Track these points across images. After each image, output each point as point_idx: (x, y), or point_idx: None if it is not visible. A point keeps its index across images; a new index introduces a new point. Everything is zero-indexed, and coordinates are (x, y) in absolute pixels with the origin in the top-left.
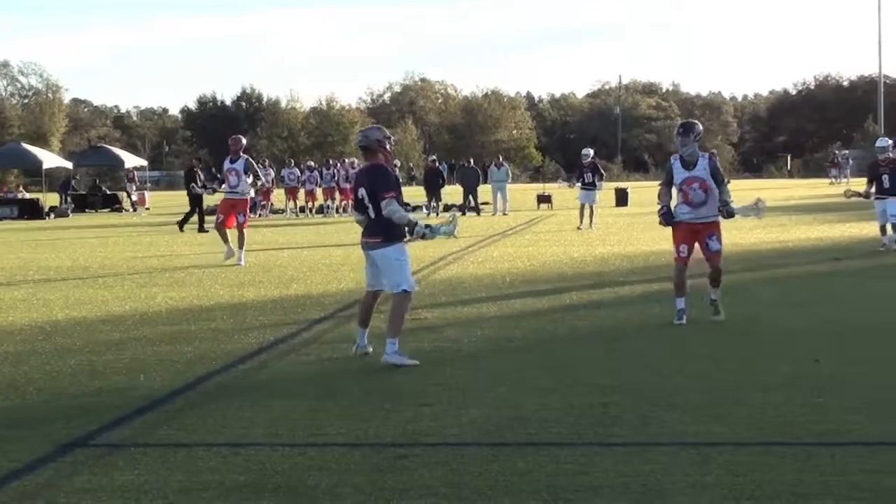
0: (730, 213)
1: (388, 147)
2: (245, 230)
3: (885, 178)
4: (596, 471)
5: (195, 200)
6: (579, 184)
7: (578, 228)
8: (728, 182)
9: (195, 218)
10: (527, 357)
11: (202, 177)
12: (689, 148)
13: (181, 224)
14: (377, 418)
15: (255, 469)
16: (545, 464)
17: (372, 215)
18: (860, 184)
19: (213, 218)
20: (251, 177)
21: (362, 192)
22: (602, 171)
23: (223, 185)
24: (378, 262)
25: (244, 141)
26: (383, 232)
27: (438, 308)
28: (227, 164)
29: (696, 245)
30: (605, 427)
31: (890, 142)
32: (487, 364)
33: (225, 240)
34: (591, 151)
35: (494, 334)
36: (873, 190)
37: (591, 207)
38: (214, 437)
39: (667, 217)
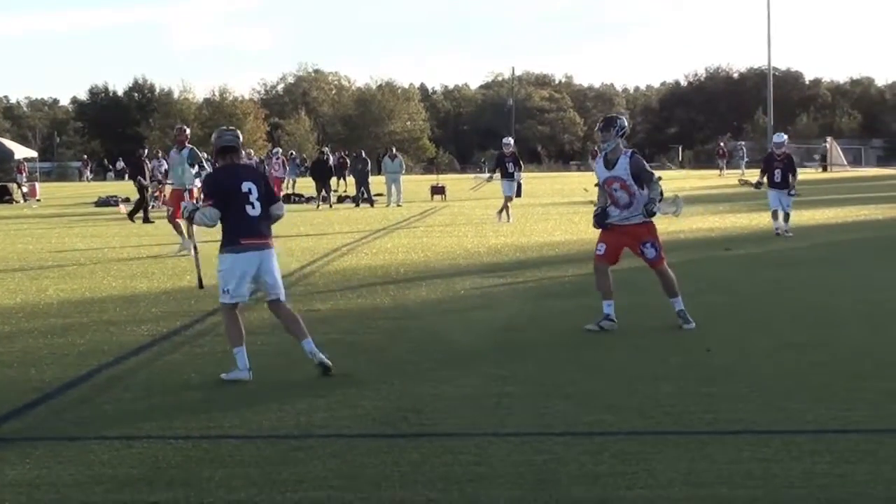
0: (650, 213)
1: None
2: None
3: (778, 172)
4: (490, 460)
5: (143, 190)
6: (498, 175)
7: (505, 220)
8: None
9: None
10: (421, 348)
11: (149, 166)
12: (611, 144)
13: (131, 215)
14: (271, 410)
15: (148, 462)
16: (439, 454)
17: (258, 213)
18: (754, 174)
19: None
20: (196, 167)
21: (250, 186)
22: (521, 162)
23: (168, 177)
24: (268, 262)
25: (188, 131)
26: (270, 230)
27: (332, 300)
28: (172, 154)
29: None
30: (499, 417)
31: (786, 137)
32: (382, 356)
33: (178, 232)
34: (512, 141)
35: (389, 326)
36: (765, 181)
37: (511, 199)
38: (107, 430)
39: (598, 219)
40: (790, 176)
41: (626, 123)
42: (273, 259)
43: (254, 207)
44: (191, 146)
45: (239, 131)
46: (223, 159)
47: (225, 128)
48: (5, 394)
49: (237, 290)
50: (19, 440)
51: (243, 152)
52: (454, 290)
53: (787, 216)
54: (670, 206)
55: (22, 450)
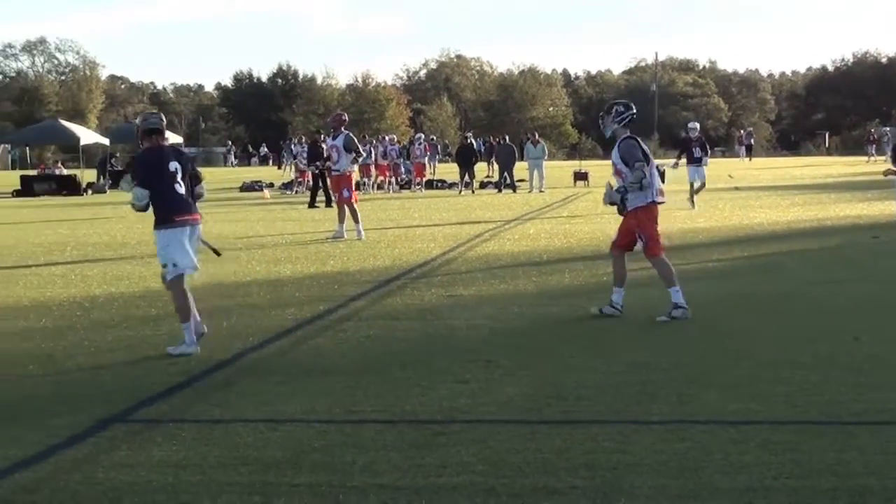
0: (609, 201)
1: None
2: (355, 204)
3: None
4: (634, 448)
5: (319, 176)
6: (685, 160)
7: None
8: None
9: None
10: (564, 334)
11: (294, 151)
12: (608, 130)
13: (311, 203)
14: (414, 395)
15: (291, 445)
16: (583, 441)
17: (183, 191)
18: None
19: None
20: (352, 152)
21: (176, 165)
22: (708, 147)
23: (327, 163)
24: (194, 237)
25: (345, 117)
26: (196, 208)
27: (474, 285)
28: (329, 141)
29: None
30: (642, 405)
31: None
32: (524, 341)
33: (340, 219)
34: (698, 126)
35: (531, 312)
36: None
37: (701, 184)
38: (252, 412)
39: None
40: None
41: (627, 110)
42: (196, 235)
43: (181, 185)
44: (347, 132)
45: (162, 115)
46: (149, 141)
47: (150, 111)
48: (152, 376)
49: (184, 262)
50: (166, 422)
51: (387, 137)
52: (597, 277)
53: None
54: (606, 196)
55: (169, 431)
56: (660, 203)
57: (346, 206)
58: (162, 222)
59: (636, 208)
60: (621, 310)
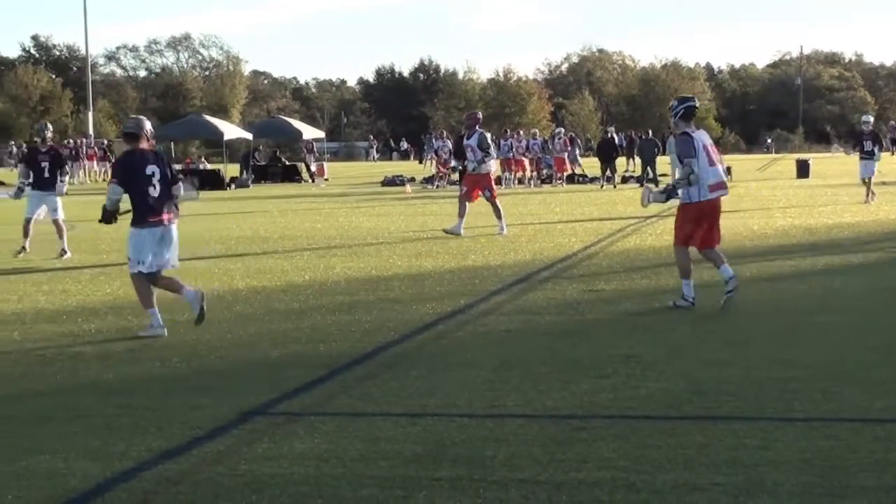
0: (648, 202)
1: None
2: (496, 202)
3: None
4: (776, 445)
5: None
6: (857, 154)
7: (865, 202)
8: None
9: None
10: (705, 329)
11: (434, 146)
12: (674, 127)
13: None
14: (555, 390)
15: (432, 439)
16: (724, 437)
17: (157, 194)
18: None
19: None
20: (483, 151)
21: (153, 169)
22: (882, 141)
23: (465, 162)
24: (168, 236)
25: (479, 115)
26: (172, 208)
27: (615, 280)
28: (465, 141)
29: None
30: (784, 402)
31: None
32: (665, 337)
33: (460, 214)
34: (871, 119)
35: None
36: None
37: (870, 179)
38: (392, 406)
39: None
40: None
41: (680, 104)
42: (171, 234)
43: (155, 189)
44: (480, 130)
45: (143, 119)
46: (129, 144)
47: (131, 116)
48: (295, 369)
49: (153, 262)
50: (308, 415)
51: (523, 133)
52: (739, 272)
53: None
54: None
55: (311, 424)
56: (713, 198)
57: (491, 203)
58: (136, 222)
59: (683, 203)
60: (693, 301)
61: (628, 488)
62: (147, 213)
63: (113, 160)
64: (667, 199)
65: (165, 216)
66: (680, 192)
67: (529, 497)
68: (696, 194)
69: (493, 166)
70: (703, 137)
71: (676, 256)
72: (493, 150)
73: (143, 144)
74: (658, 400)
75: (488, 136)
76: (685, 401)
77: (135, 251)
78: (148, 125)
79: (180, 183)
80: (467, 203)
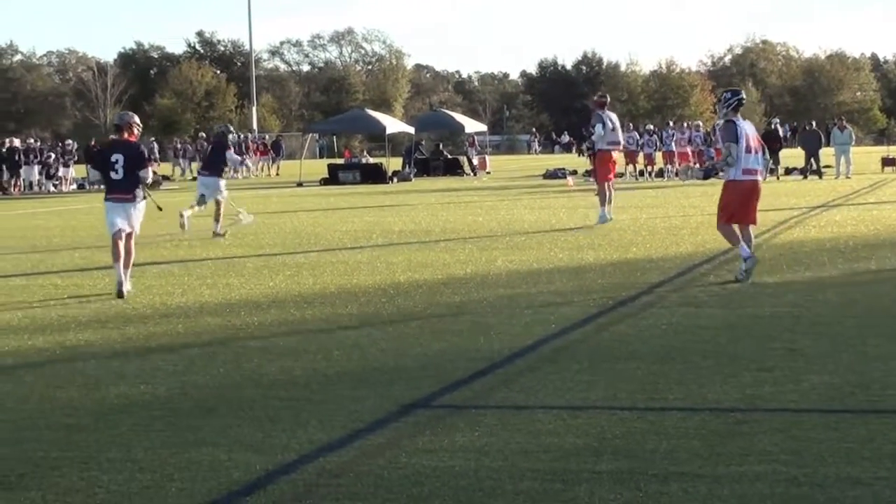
0: (687, 177)
1: (136, 131)
2: (606, 184)
3: None
4: None
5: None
6: None
7: None
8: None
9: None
10: (869, 323)
11: None
12: (722, 116)
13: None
14: (716, 383)
15: (593, 432)
16: (888, 431)
17: (121, 177)
18: None
19: None
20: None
21: (118, 157)
22: None
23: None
24: (129, 211)
25: (606, 98)
26: (133, 190)
27: (779, 272)
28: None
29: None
30: None
31: None
32: (828, 330)
33: (601, 202)
34: None
35: (836, 300)
36: None
37: None
38: (553, 399)
39: None
40: None
41: (734, 96)
42: (131, 209)
43: (117, 173)
44: (599, 112)
45: (127, 114)
46: (116, 134)
47: (120, 112)
48: (456, 362)
49: (114, 226)
50: (469, 407)
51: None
52: None
53: None
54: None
55: (471, 417)
56: (746, 180)
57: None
58: (105, 198)
59: (726, 182)
60: (750, 253)
61: (789, 482)
62: (108, 192)
63: (272, 155)
64: (705, 178)
65: (125, 195)
66: (724, 172)
67: (689, 490)
68: (734, 174)
69: (609, 148)
70: (747, 128)
71: (722, 233)
72: (598, 129)
73: (126, 135)
74: (820, 393)
75: (603, 115)
76: (848, 394)
77: (107, 219)
78: (133, 119)
79: (147, 168)
80: (606, 186)
